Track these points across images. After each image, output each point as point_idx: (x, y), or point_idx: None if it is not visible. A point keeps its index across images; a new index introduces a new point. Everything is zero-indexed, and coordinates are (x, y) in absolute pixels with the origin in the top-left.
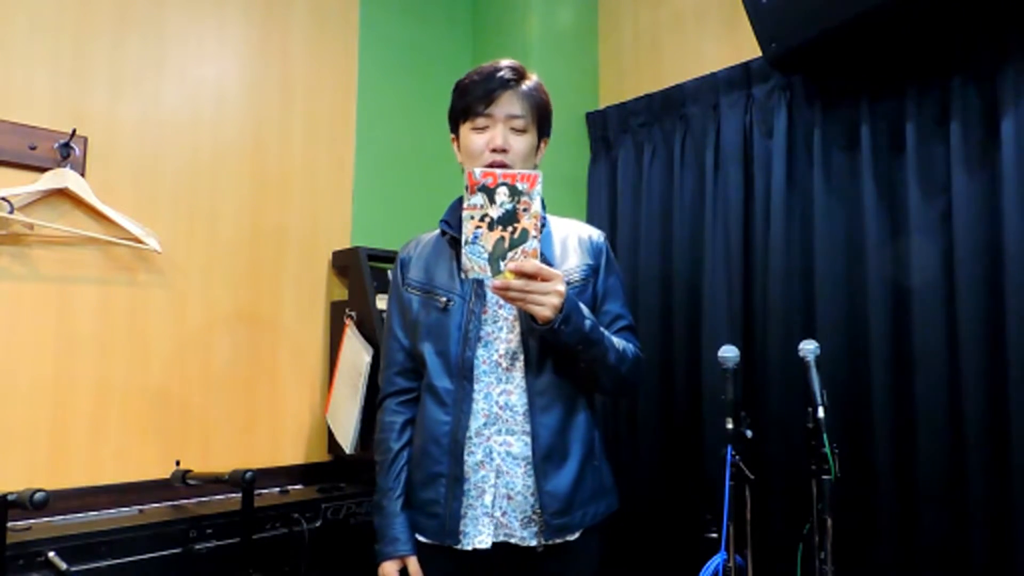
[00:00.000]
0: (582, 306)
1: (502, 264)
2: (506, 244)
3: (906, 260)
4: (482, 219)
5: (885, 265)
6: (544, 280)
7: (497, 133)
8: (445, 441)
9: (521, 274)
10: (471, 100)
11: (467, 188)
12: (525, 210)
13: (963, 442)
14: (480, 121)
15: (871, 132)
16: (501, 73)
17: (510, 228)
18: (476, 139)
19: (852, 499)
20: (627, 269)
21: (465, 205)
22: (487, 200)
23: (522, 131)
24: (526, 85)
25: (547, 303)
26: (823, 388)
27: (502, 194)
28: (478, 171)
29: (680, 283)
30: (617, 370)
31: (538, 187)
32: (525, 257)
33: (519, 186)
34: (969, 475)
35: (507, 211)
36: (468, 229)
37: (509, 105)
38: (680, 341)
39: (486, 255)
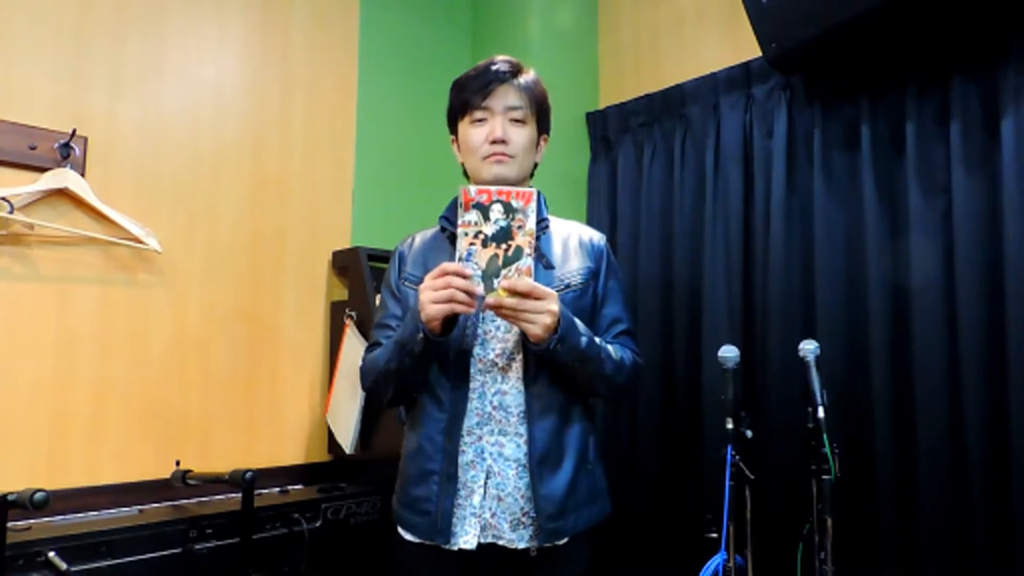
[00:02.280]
0: (578, 323)
1: (495, 282)
2: (500, 261)
3: (906, 260)
4: (476, 236)
5: (885, 265)
6: (537, 299)
7: (496, 125)
8: (439, 439)
9: (514, 292)
10: (468, 95)
11: (461, 205)
12: (519, 228)
13: (963, 442)
14: (478, 114)
15: (871, 132)
16: (497, 67)
17: (504, 246)
18: (475, 133)
19: (852, 499)
20: (627, 269)
21: (460, 222)
22: (481, 217)
23: (521, 122)
24: (523, 79)
25: (539, 322)
26: (823, 388)
27: (496, 211)
28: (472, 188)
29: (680, 283)
30: (614, 380)
31: (533, 204)
32: (519, 275)
33: (514, 203)
34: (969, 474)
35: (501, 228)
36: (462, 246)
37: (506, 97)
38: (680, 341)
39: (480, 272)
